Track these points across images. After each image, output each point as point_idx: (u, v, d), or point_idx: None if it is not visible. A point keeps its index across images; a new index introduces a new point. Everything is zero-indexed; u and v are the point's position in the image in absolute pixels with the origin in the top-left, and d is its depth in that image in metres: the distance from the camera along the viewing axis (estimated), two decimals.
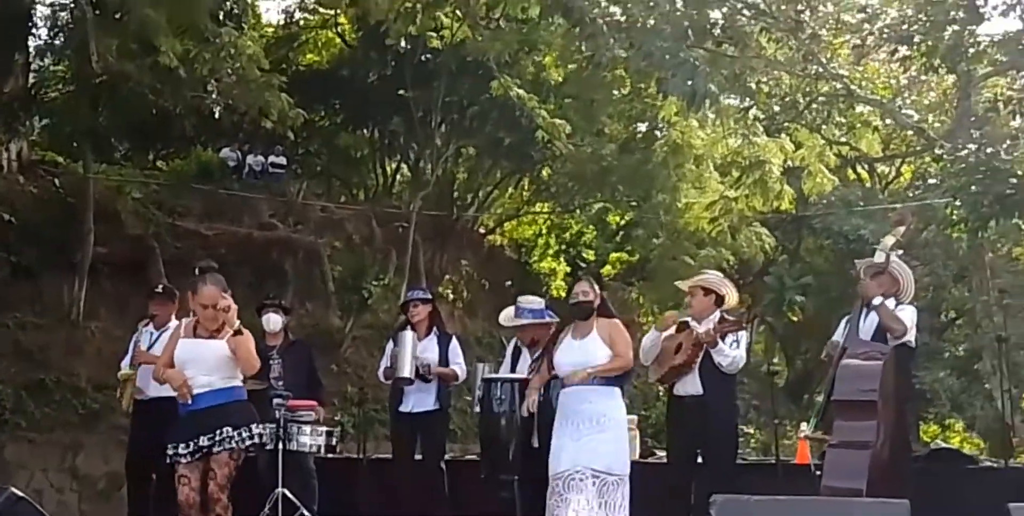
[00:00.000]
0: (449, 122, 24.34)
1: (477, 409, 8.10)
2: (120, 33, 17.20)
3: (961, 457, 9.06)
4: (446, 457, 8.98)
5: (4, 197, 17.99)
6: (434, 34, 20.62)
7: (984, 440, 25.52)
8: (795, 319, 26.66)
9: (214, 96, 17.43)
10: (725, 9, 19.32)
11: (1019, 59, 18.42)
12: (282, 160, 23.86)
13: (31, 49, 20.50)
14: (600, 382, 7.00)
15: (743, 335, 7.48)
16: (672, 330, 7.49)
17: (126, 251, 18.93)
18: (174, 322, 9.18)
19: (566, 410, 7.04)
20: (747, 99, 22.73)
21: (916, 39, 19.42)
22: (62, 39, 20.27)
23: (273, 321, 9.26)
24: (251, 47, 17.34)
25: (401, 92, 22.28)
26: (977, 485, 8.05)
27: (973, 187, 15.28)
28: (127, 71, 17.64)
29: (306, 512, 8.13)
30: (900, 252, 7.60)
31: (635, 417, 10.77)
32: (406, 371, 8.41)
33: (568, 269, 27.61)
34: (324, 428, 8.54)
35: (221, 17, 18.88)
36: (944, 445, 11.72)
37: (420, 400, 8.59)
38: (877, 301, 7.18)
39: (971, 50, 18.98)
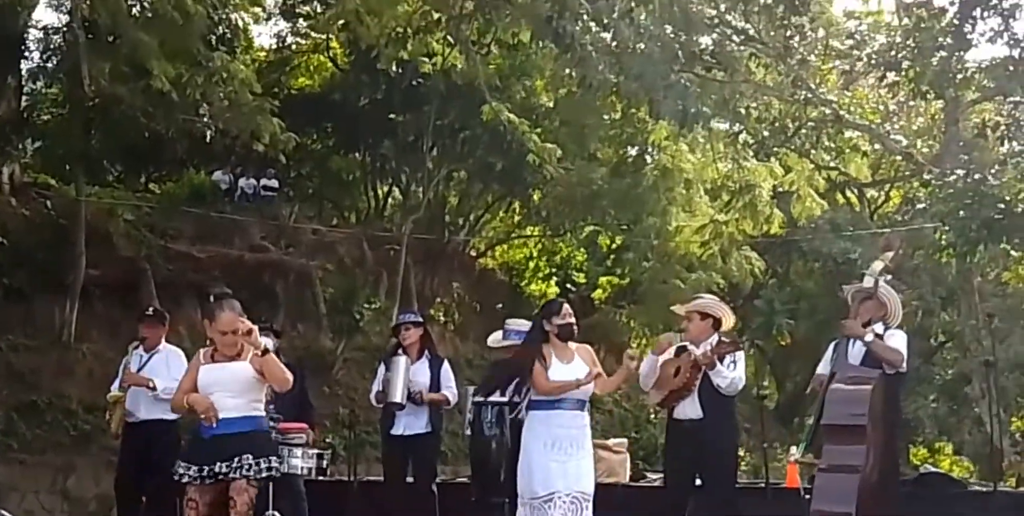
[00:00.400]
0: (440, 146, 24.42)
1: (468, 432, 8.12)
2: (112, 57, 17.29)
3: (950, 481, 9.07)
4: (437, 479, 8.99)
5: None
6: (425, 59, 20.72)
7: (974, 464, 25.55)
8: (784, 343, 26.70)
9: (206, 119, 17.53)
10: (715, 35, 19.51)
11: (1006, 85, 18.56)
12: (274, 183, 23.90)
13: (23, 72, 20.57)
14: (583, 408, 7.12)
15: (740, 356, 7.47)
16: (670, 354, 7.51)
17: (118, 273, 18.93)
18: (164, 345, 9.23)
19: (554, 432, 7.04)
20: (737, 123, 22.88)
21: (904, 65, 19.57)
22: (54, 62, 20.33)
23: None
24: (243, 71, 17.43)
25: (392, 116, 22.39)
26: (966, 509, 8.07)
27: (961, 212, 15.38)
28: (119, 94, 17.72)
29: None
30: (889, 277, 7.60)
31: (625, 440, 10.82)
32: (398, 396, 8.43)
33: (559, 292, 27.64)
34: (315, 450, 8.56)
35: (213, 41, 18.93)
36: (933, 469, 11.69)
37: (412, 423, 8.60)
38: (869, 338, 7.17)
39: (959, 76, 19.13)
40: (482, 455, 7.66)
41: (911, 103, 24.19)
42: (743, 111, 21.79)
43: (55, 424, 16.58)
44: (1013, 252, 18.53)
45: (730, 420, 7.61)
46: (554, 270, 28.97)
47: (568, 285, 28.31)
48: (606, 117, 24.40)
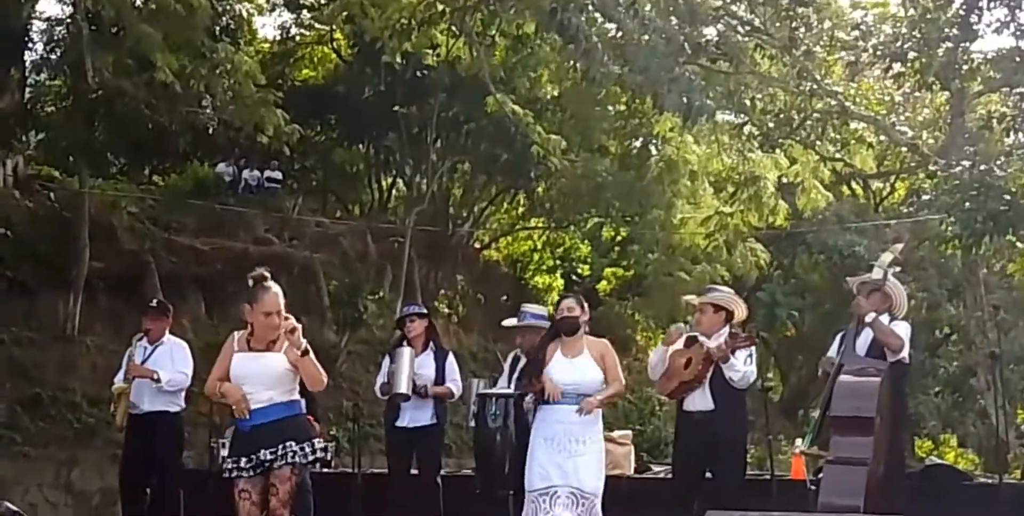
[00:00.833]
0: (444, 138, 24.42)
1: (472, 424, 8.10)
2: (116, 49, 17.28)
3: (956, 473, 9.03)
4: (442, 472, 8.97)
5: (0, 212, 18.01)
6: (429, 51, 20.70)
7: (979, 456, 25.54)
8: (789, 335, 26.68)
9: (210, 111, 17.52)
10: (720, 26, 19.46)
11: (1012, 76, 18.50)
12: (278, 175, 23.90)
13: (27, 64, 20.54)
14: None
15: (752, 350, 7.47)
16: (680, 345, 7.48)
17: (122, 266, 18.94)
18: (168, 337, 9.22)
19: (552, 427, 7.02)
20: (742, 115, 22.83)
21: (910, 56, 19.52)
22: (58, 54, 20.28)
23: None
24: (247, 63, 17.42)
25: (396, 108, 22.36)
26: (972, 501, 8.04)
27: (967, 204, 15.31)
28: (123, 87, 17.70)
29: None
30: (897, 269, 7.58)
31: (630, 432, 10.79)
32: (403, 387, 8.41)
33: (563, 284, 27.65)
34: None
35: (217, 33, 18.92)
36: (938, 461, 11.65)
37: (416, 415, 8.58)
38: (870, 318, 7.16)
39: (965, 67, 19.08)
40: (486, 447, 7.62)
41: (917, 94, 24.14)
42: (748, 103, 21.76)
43: (59, 417, 16.60)
44: (1019, 244, 18.46)
45: (740, 412, 7.58)
46: (558, 262, 28.95)
47: (573, 277, 28.30)
48: (611, 109, 24.38)
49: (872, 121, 22.88)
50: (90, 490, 15.85)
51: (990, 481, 9.18)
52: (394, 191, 27.52)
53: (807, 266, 26.69)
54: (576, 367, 7.04)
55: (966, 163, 16.29)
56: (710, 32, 19.75)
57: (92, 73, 16.41)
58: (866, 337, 7.28)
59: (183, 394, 9.28)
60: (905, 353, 7.26)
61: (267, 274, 6.63)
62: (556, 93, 23.87)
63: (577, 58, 16.38)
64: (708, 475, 7.53)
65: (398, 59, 18.62)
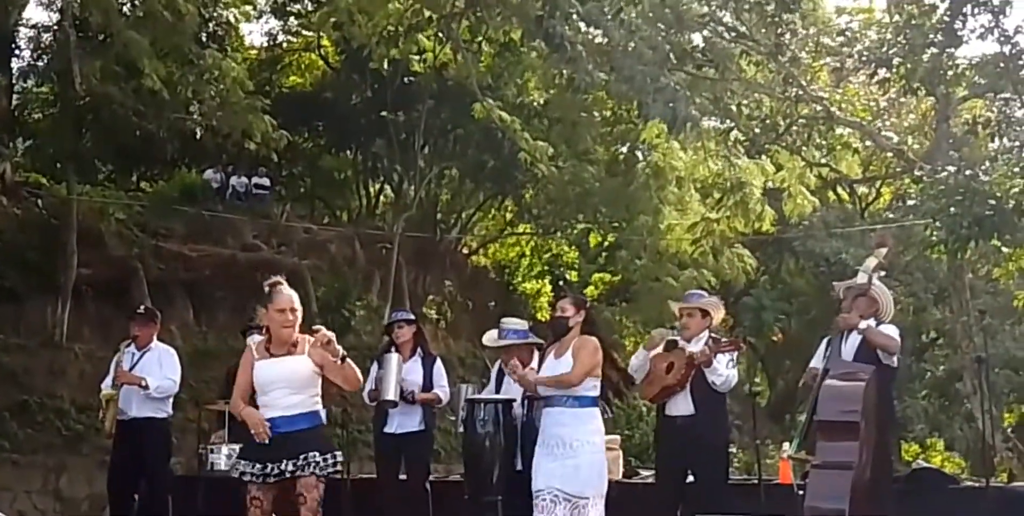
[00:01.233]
0: (432, 144, 24.46)
1: (461, 430, 8.11)
2: (103, 55, 17.30)
3: (942, 477, 9.05)
4: (430, 478, 8.99)
5: None
6: (416, 58, 20.73)
7: (965, 459, 25.62)
8: (776, 340, 26.75)
9: (197, 118, 17.51)
10: (706, 32, 19.53)
11: (997, 82, 18.57)
12: (265, 182, 23.89)
13: (14, 71, 20.54)
14: (575, 404, 6.95)
15: (734, 355, 7.51)
16: (659, 349, 7.51)
17: (109, 272, 18.91)
18: (156, 343, 9.22)
19: (545, 430, 7.03)
20: (728, 121, 22.89)
21: (895, 62, 19.57)
22: (45, 61, 20.32)
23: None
24: (235, 70, 17.42)
25: (384, 114, 22.38)
26: (959, 505, 8.07)
27: (952, 209, 15.36)
28: (110, 93, 17.71)
29: None
30: (882, 273, 7.63)
31: (618, 437, 10.81)
32: (391, 393, 8.42)
33: (551, 290, 27.68)
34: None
35: (204, 39, 18.94)
36: (925, 465, 11.72)
37: (405, 421, 8.60)
38: (863, 326, 7.20)
39: (949, 73, 19.14)
40: (475, 453, 7.64)
41: (902, 100, 24.22)
42: (734, 109, 21.81)
43: (47, 424, 16.57)
44: (1004, 249, 18.54)
45: (722, 416, 7.62)
46: (546, 268, 28.99)
47: (560, 283, 28.33)
48: (597, 115, 24.44)
49: (858, 126, 22.96)
50: (78, 497, 15.83)
51: (976, 485, 9.22)
52: (382, 197, 27.53)
53: (793, 271, 26.77)
54: (557, 367, 7.02)
55: (951, 168, 16.34)
56: (696, 38, 19.83)
57: (79, 80, 16.40)
58: (853, 342, 7.32)
59: (171, 400, 9.28)
60: (896, 355, 7.32)
61: (282, 280, 6.63)
62: (543, 100, 23.93)
63: (563, 65, 16.42)
64: (691, 479, 7.57)
65: (385, 66, 18.65)
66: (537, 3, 14.82)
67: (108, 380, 9.27)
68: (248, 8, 23.85)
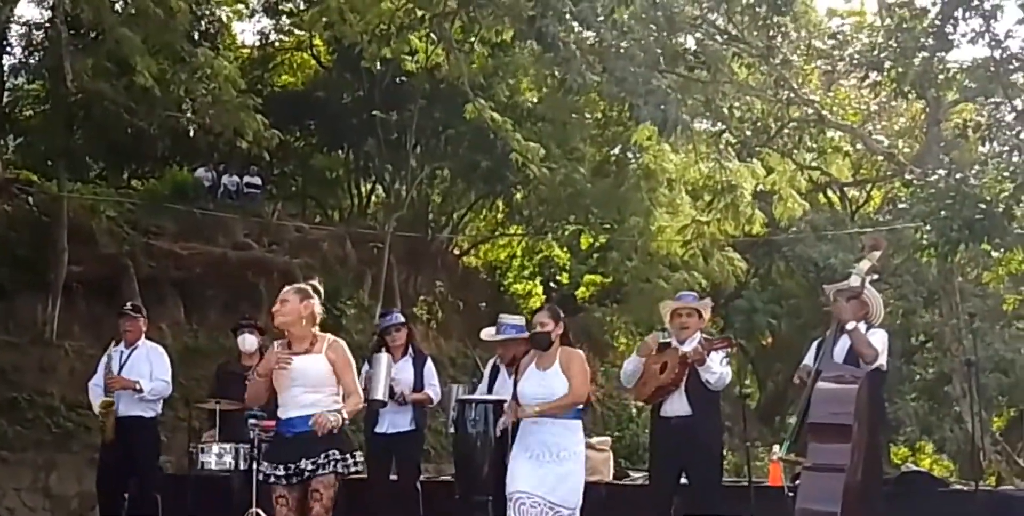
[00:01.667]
0: (423, 144, 24.45)
1: (452, 430, 8.12)
2: (95, 52, 17.26)
3: (932, 480, 9.09)
4: (421, 477, 8.99)
5: None
6: (408, 57, 20.73)
7: (954, 462, 25.67)
8: (766, 342, 26.79)
9: (189, 116, 17.47)
10: (697, 34, 19.55)
11: (987, 86, 18.60)
12: (257, 180, 23.87)
13: (5, 68, 20.49)
14: (563, 417, 6.99)
15: (726, 352, 7.55)
16: (652, 352, 7.54)
17: (100, 270, 18.86)
18: (144, 341, 9.22)
19: (527, 440, 7.03)
20: (719, 124, 22.91)
21: (886, 65, 19.59)
22: (37, 58, 20.24)
23: (249, 341, 9.27)
24: (227, 68, 17.38)
25: (376, 114, 22.37)
26: (948, 508, 8.10)
27: (943, 212, 15.38)
28: (102, 91, 17.66)
29: None
30: (875, 277, 7.63)
31: (608, 439, 10.82)
32: (379, 394, 8.42)
33: (542, 291, 27.70)
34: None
35: (196, 37, 18.91)
36: (915, 468, 11.74)
37: (395, 421, 8.61)
38: (851, 326, 7.20)
39: (940, 77, 19.16)
40: (466, 453, 7.64)
41: (893, 103, 24.26)
42: (726, 111, 21.83)
43: (37, 421, 16.51)
44: (994, 253, 18.58)
45: (716, 416, 7.67)
46: (537, 269, 29.00)
47: (552, 284, 28.34)
48: (589, 117, 24.46)
49: (848, 130, 23.02)
50: (68, 494, 15.77)
51: (965, 488, 9.23)
52: (373, 197, 27.53)
53: (784, 274, 26.82)
54: (545, 380, 7.03)
55: (942, 171, 16.39)
56: (688, 41, 19.86)
57: (71, 77, 16.36)
58: (844, 344, 7.31)
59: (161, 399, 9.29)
60: (882, 361, 7.31)
61: (313, 282, 6.81)
62: (535, 100, 23.94)
63: (555, 66, 16.43)
64: (684, 480, 7.59)
65: (377, 65, 18.64)
66: (529, 3, 14.83)
67: (97, 379, 9.27)
68: (240, 6, 23.89)
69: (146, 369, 9.11)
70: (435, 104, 22.61)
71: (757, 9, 19.06)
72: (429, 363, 8.91)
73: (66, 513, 15.69)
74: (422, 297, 25.45)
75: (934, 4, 18.07)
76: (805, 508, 6.60)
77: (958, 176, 15.86)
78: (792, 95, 20.85)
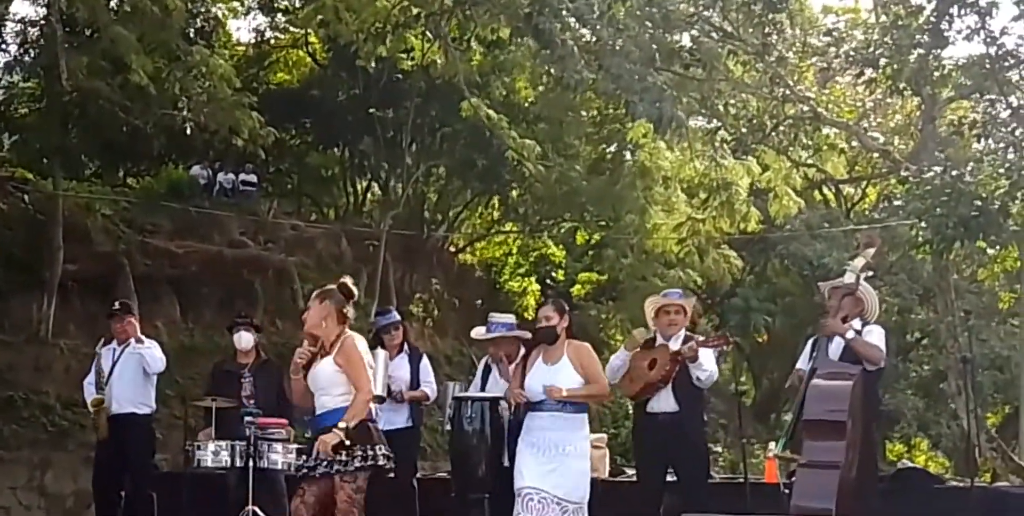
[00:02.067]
0: (419, 142, 24.44)
1: (448, 427, 8.12)
2: (90, 50, 17.25)
3: (928, 477, 9.09)
4: (417, 475, 8.99)
5: None
6: (404, 55, 20.71)
7: (949, 459, 25.71)
8: (761, 340, 26.80)
9: (185, 114, 17.45)
10: (693, 32, 19.54)
11: (983, 83, 18.63)
12: (253, 178, 23.85)
13: (0, 65, 20.46)
14: (570, 410, 7.02)
15: (715, 350, 7.58)
16: (638, 348, 7.55)
17: (95, 268, 18.85)
18: (134, 340, 9.20)
19: (534, 434, 7.05)
20: (714, 121, 22.91)
21: (881, 62, 19.62)
22: (32, 55, 20.20)
23: (245, 339, 9.26)
24: (222, 66, 17.38)
25: (372, 111, 22.35)
26: (944, 505, 8.10)
27: (938, 209, 15.40)
28: (97, 88, 17.65)
29: None
30: (870, 273, 7.63)
31: (604, 436, 10.83)
32: (377, 390, 8.42)
33: (538, 289, 27.68)
34: (295, 446, 8.53)
35: (192, 35, 18.89)
36: (910, 464, 11.76)
37: (392, 418, 8.59)
38: (850, 336, 7.17)
39: (936, 74, 19.19)
40: (462, 451, 7.63)
41: (888, 100, 24.27)
42: (721, 108, 21.84)
43: (32, 420, 16.53)
44: (989, 250, 18.61)
45: (702, 412, 7.73)
46: (533, 267, 28.99)
47: (547, 282, 28.34)
48: (584, 115, 24.45)
49: (844, 127, 23.02)
50: (64, 493, 15.78)
51: (961, 485, 9.24)
52: (369, 195, 27.51)
53: (779, 271, 26.83)
54: (554, 373, 7.05)
55: (937, 169, 16.39)
56: (683, 38, 19.84)
57: (66, 75, 16.33)
58: (839, 342, 7.31)
59: (153, 395, 9.28)
60: (882, 360, 7.33)
61: (345, 280, 6.83)
62: (531, 98, 23.93)
63: (552, 63, 16.41)
64: (671, 477, 7.61)
65: (372, 64, 18.62)
66: (525, 0, 14.83)
67: (91, 377, 9.26)
68: (235, 4, 23.85)
69: (139, 368, 9.11)
70: (431, 102, 22.59)
71: (752, 6, 19.06)
72: (425, 361, 8.91)
73: (62, 511, 15.70)
74: (418, 295, 25.45)
75: (929, 1, 18.10)
76: (801, 505, 6.59)
77: (954, 173, 15.87)
78: (787, 92, 20.86)
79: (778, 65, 20.36)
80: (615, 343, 26.20)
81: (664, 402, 7.43)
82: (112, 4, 17.50)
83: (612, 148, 25.30)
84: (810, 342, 7.61)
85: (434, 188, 26.85)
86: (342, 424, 6.25)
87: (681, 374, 7.37)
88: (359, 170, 26.37)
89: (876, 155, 24.45)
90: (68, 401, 15.91)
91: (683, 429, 7.38)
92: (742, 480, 8.73)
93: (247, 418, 8.22)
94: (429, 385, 8.79)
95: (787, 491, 7.13)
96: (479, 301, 26.54)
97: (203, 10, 20.84)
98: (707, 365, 7.38)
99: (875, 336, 7.27)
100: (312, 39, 24.59)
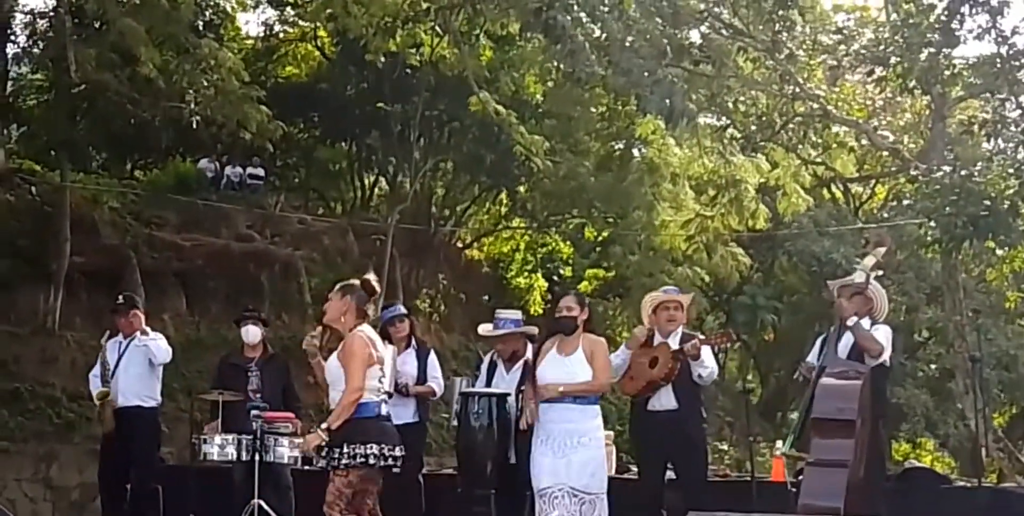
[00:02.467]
0: (427, 137, 24.40)
1: (455, 423, 8.09)
2: (99, 43, 17.24)
3: (935, 476, 9.07)
4: (423, 470, 8.96)
5: None
6: (413, 50, 20.68)
7: (955, 459, 25.66)
8: (768, 337, 26.75)
9: (192, 107, 17.43)
10: (703, 28, 19.50)
11: (993, 82, 18.57)
12: (260, 172, 23.84)
13: (9, 57, 20.44)
14: (583, 401, 7.01)
15: (714, 347, 7.58)
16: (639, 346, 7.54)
17: (102, 261, 18.85)
18: (142, 331, 9.19)
19: (547, 427, 7.03)
20: (724, 118, 22.85)
21: (892, 61, 19.57)
22: (41, 48, 20.21)
23: (252, 333, 9.22)
24: (231, 59, 17.36)
25: (380, 106, 22.31)
26: (951, 505, 8.07)
27: (947, 208, 15.39)
28: (105, 81, 17.64)
29: None
30: (880, 273, 7.61)
31: (611, 433, 10.81)
32: (386, 386, 8.39)
33: (545, 285, 27.65)
34: (301, 440, 8.51)
35: (200, 28, 18.87)
36: (918, 464, 11.74)
37: (399, 412, 8.51)
38: (851, 322, 7.19)
39: (946, 72, 19.13)
40: (469, 446, 7.60)
41: (898, 99, 24.24)
42: (731, 105, 21.77)
43: (38, 412, 16.52)
44: (998, 250, 18.57)
45: (701, 410, 7.69)
46: (540, 263, 28.95)
47: (554, 278, 28.30)
48: (593, 111, 24.40)
49: (853, 125, 22.97)
50: (69, 485, 15.77)
51: (968, 485, 9.22)
52: (376, 189, 27.49)
53: (787, 269, 26.78)
54: (567, 365, 7.04)
55: (947, 168, 16.39)
56: (694, 34, 19.81)
57: (75, 67, 16.35)
58: (848, 340, 7.30)
59: (159, 388, 9.27)
60: (885, 357, 7.30)
61: (368, 277, 6.88)
62: (540, 94, 23.88)
63: (562, 58, 16.37)
64: (670, 475, 7.62)
65: (381, 58, 18.59)
66: None
67: (96, 370, 9.25)
68: None
69: (145, 361, 9.09)
70: (439, 97, 22.55)
71: (763, 3, 19.02)
72: (432, 356, 8.86)
73: (67, 504, 15.69)
74: (424, 290, 25.43)
75: None
76: (808, 503, 6.58)
77: (963, 172, 15.87)
78: (797, 90, 20.81)
79: (788, 62, 20.31)
80: (621, 340, 26.17)
81: (664, 400, 7.42)
82: None
83: (621, 145, 25.25)
84: (819, 340, 7.62)
85: (442, 183, 26.82)
86: (324, 425, 6.35)
87: (681, 372, 7.36)
88: (367, 164, 26.36)
89: (885, 153, 24.41)
90: (74, 393, 15.90)
91: (683, 427, 7.39)
92: (749, 478, 8.69)
93: (253, 412, 8.23)
94: (436, 380, 8.75)
95: (794, 489, 7.11)
96: (486, 297, 26.52)
97: (212, 3, 20.85)
98: (708, 362, 7.39)
99: (882, 334, 7.27)
100: (321, 33, 24.57)
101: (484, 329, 8.36)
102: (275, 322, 19.33)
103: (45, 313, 17.81)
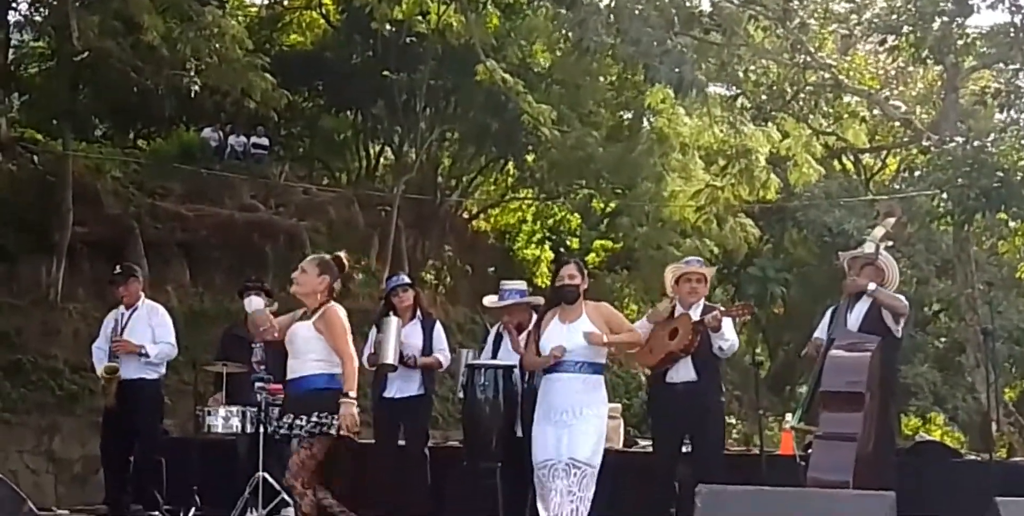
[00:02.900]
0: (434, 107, 24.23)
1: (460, 396, 8.01)
2: (102, 10, 17.04)
3: (945, 450, 9.02)
4: (429, 443, 8.88)
5: None
6: (419, 18, 20.48)
7: (964, 433, 25.59)
8: (778, 310, 26.66)
9: (195, 76, 17.28)
10: None
11: (1006, 52, 18.39)
12: (264, 141, 23.69)
13: (11, 24, 20.26)
14: (587, 370, 6.90)
15: (735, 319, 7.59)
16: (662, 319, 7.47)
17: (105, 231, 18.75)
18: (143, 301, 9.09)
19: (550, 398, 6.93)
20: (734, 88, 22.66)
21: (904, 30, 19.39)
22: (43, 15, 20.01)
23: (255, 303, 9.04)
24: (234, 27, 17.22)
25: (385, 75, 22.14)
26: (962, 479, 8.00)
27: (960, 180, 15.29)
28: (108, 49, 17.49)
29: (287, 496, 8.01)
30: (890, 243, 7.56)
31: (619, 405, 10.73)
32: (390, 357, 8.29)
33: (552, 256, 27.55)
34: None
35: None
36: (928, 438, 11.66)
37: (404, 386, 8.48)
38: (872, 287, 7.13)
39: (959, 42, 18.97)
40: (474, 419, 7.54)
41: (910, 69, 24.05)
42: (741, 75, 21.58)
43: (40, 384, 16.45)
44: (1011, 222, 18.42)
45: (719, 382, 7.68)
46: (547, 234, 28.84)
47: (561, 249, 28.20)
48: (602, 80, 24.21)
49: (865, 95, 22.79)
50: (72, 457, 15.72)
51: (979, 459, 9.16)
52: (382, 159, 27.34)
53: (796, 241, 26.65)
54: (573, 333, 6.91)
55: (959, 139, 16.26)
56: (704, 2, 19.57)
57: (77, 34, 16.19)
58: (858, 313, 7.28)
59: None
60: (897, 326, 7.24)
61: (340, 254, 6.90)
62: (548, 63, 23.68)
63: (571, 26, 16.20)
64: (686, 449, 7.60)
65: (387, 26, 18.42)
66: None
67: (100, 342, 9.14)
68: None
69: (147, 332, 8.97)
70: (446, 66, 22.36)
71: None
72: (438, 327, 8.76)
73: (69, 476, 15.64)
74: (430, 261, 25.34)
75: None
76: (817, 477, 6.55)
77: (975, 144, 15.75)
78: (808, 59, 20.59)
79: (799, 31, 20.05)
80: (629, 313, 26.11)
81: (683, 372, 7.41)
82: None
83: (630, 114, 25.07)
84: (828, 312, 7.61)
85: (448, 153, 26.66)
86: (352, 394, 6.45)
87: (701, 344, 7.33)
88: (372, 134, 26.19)
89: (897, 124, 24.22)
90: (76, 365, 15.82)
91: (702, 399, 7.38)
92: (758, 452, 8.61)
93: (258, 384, 8.18)
94: (442, 352, 8.66)
95: (803, 463, 7.08)
96: (492, 268, 26.40)
97: None
98: (728, 334, 7.38)
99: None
100: (326, 0, 24.38)
101: (489, 300, 8.28)
102: (279, 293, 19.24)
103: (47, 284, 17.70)
